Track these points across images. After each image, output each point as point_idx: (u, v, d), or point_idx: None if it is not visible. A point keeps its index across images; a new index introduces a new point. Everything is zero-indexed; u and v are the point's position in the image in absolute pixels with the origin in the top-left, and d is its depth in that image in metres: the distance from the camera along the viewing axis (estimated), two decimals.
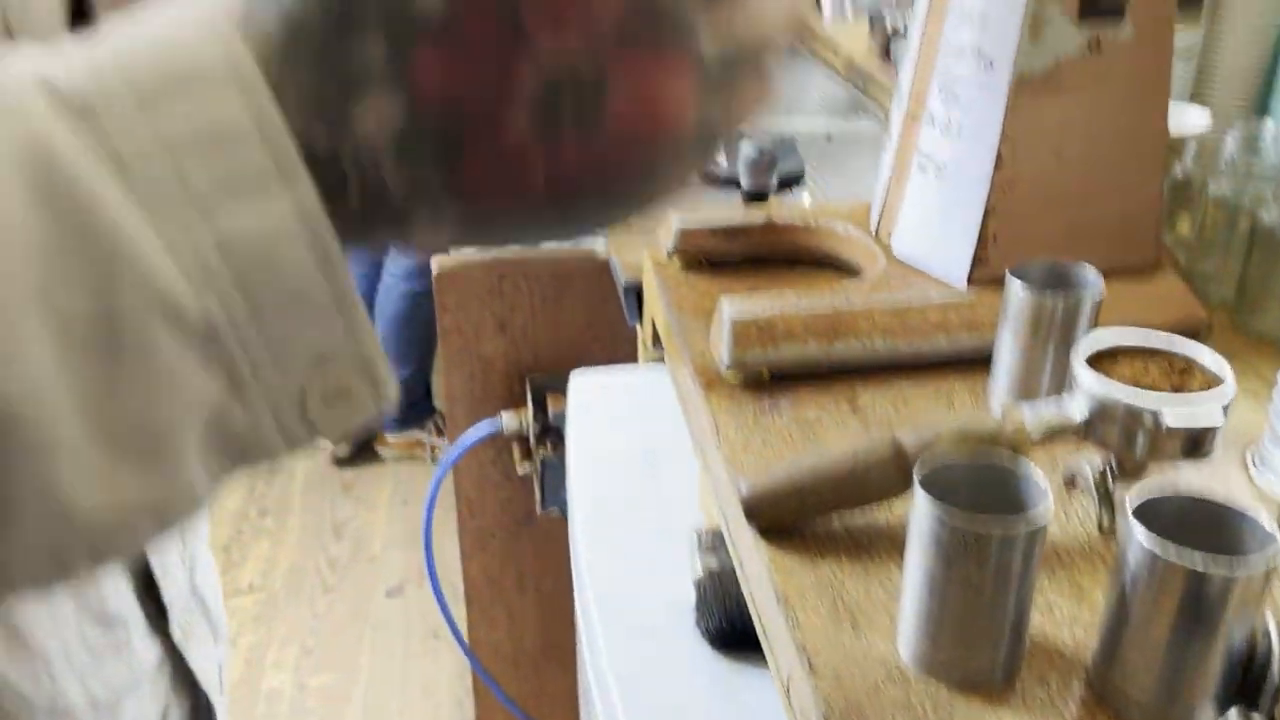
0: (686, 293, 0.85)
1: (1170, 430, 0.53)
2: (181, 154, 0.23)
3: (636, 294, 0.97)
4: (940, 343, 0.73)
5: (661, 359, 0.91)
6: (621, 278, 0.99)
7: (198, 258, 0.23)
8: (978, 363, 0.72)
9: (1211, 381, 0.55)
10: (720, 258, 0.89)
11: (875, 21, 1.45)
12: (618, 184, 0.27)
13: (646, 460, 0.94)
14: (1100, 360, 0.57)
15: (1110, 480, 0.56)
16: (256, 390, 0.25)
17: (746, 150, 1.21)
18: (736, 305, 0.72)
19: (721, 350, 0.72)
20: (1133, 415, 0.54)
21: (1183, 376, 0.56)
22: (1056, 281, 0.65)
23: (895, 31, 1.47)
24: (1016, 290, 0.64)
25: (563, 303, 1.30)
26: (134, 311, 0.23)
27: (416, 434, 2.57)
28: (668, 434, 0.89)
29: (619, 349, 1.25)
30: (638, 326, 1.02)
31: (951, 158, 0.75)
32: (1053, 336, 0.64)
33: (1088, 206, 0.74)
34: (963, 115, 0.73)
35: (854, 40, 1.64)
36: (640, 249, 1.00)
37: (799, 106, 1.48)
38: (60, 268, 0.22)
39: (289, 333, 0.24)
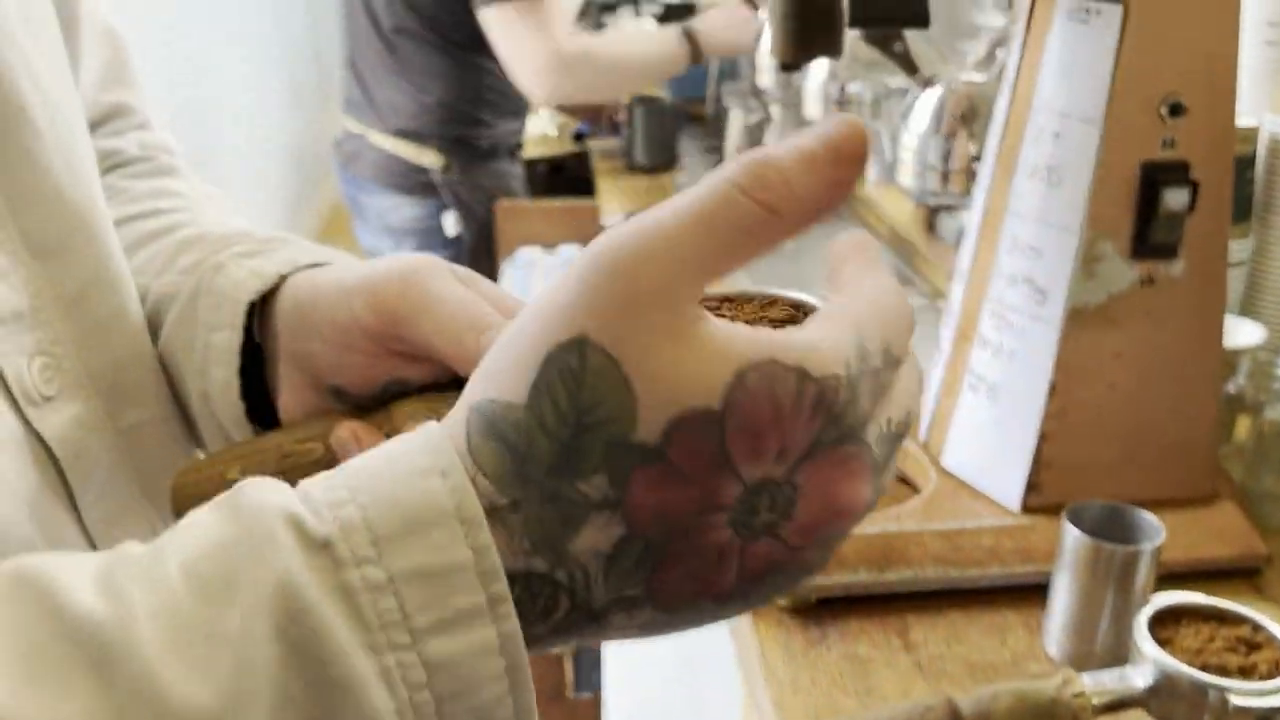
0: None
1: (1238, 709, 0.52)
2: (404, 588, 0.27)
3: None
4: (993, 571, 0.72)
5: None
6: None
7: (406, 684, 0.27)
8: (1031, 591, 0.70)
9: None
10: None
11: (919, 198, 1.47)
12: (799, 572, 0.30)
13: (685, 663, 0.92)
14: (1164, 621, 0.56)
15: None
16: None
17: None
18: None
19: None
20: (1199, 691, 0.52)
21: (1249, 648, 0.55)
22: (1115, 525, 0.64)
23: (940, 208, 1.50)
24: (1073, 535, 0.63)
25: None
26: None
27: None
28: (709, 639, 0.88)
29: None
30: None
31: (1004, 381, 0.75)
32: (1111, 583, 0.63)
33: (1142, 435, 0.74)
34: (1015, 342, 0.74)
35: (898, 208, 1.67)
36: None
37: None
38: (292, 689, 0.26)
39: None
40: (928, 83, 1.10)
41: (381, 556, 0.27)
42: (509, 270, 1.99)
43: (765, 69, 1.79)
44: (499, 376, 0.28)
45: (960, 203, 1.12)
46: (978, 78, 1.08)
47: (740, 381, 0.27)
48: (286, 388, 0.45)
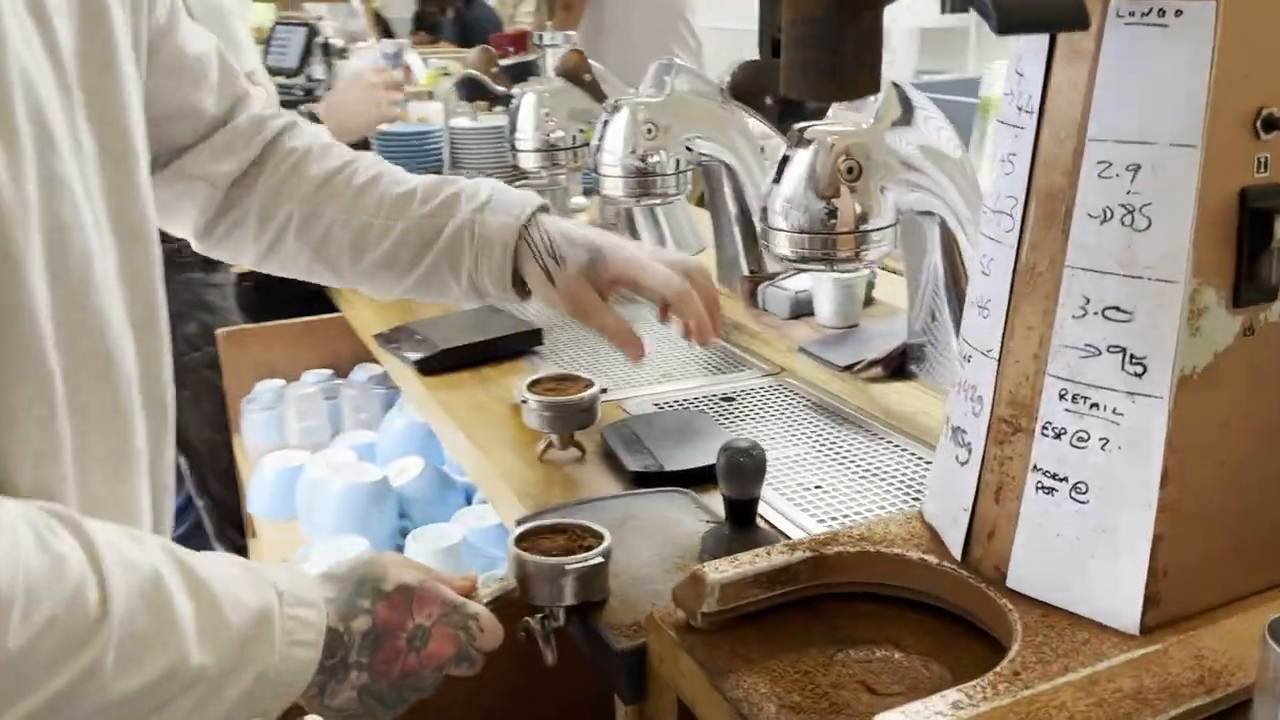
0: (725, 663, 0.64)
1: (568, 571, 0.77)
2: (294, 623, 0.65)
3: (638, 667, 0.74)
4: None
5: None
6: (613, 644, 0.77)
7: (281, 659, 0.64)
8: None
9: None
10: (759, 608, 0.70)
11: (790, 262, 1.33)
12: (420, 683, 0.71)
13: None
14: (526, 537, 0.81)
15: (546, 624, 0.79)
16: None
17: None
18: None
19: None
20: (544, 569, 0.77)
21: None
22: None
23: (763, 279, 1.37)
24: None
25: None
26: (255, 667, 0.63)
27: None
28: None
29: None
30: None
31: (1096, 476, 0.60)
32: None
33: (1253, 518, 0.62)
34: (1106, 427, 0.59)
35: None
36: (631, 607, 0.79)
37: (678, 373, 1.33)
38: (247, 643, 0.63)
39: None
40: (800, 139, 0.96)
41: (294, 607, 0.65)
42: (250, 411, 1.65)
43: (526, 143, 1.61)
44: (332, 568, 0.73)
45: (849, 268, 0.99)
46: (857, 125, 0.96)
47: (423, 582, 0.72)
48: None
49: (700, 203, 1.65)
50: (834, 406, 1.18)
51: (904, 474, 1.01)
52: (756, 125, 1.30)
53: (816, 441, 1.10)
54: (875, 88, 0.52)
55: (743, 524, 0.85)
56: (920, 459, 1.04)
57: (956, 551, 0.68)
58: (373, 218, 0.92)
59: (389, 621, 0.69)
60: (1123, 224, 0.58)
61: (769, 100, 0.93)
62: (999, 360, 0.65)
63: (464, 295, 0.94)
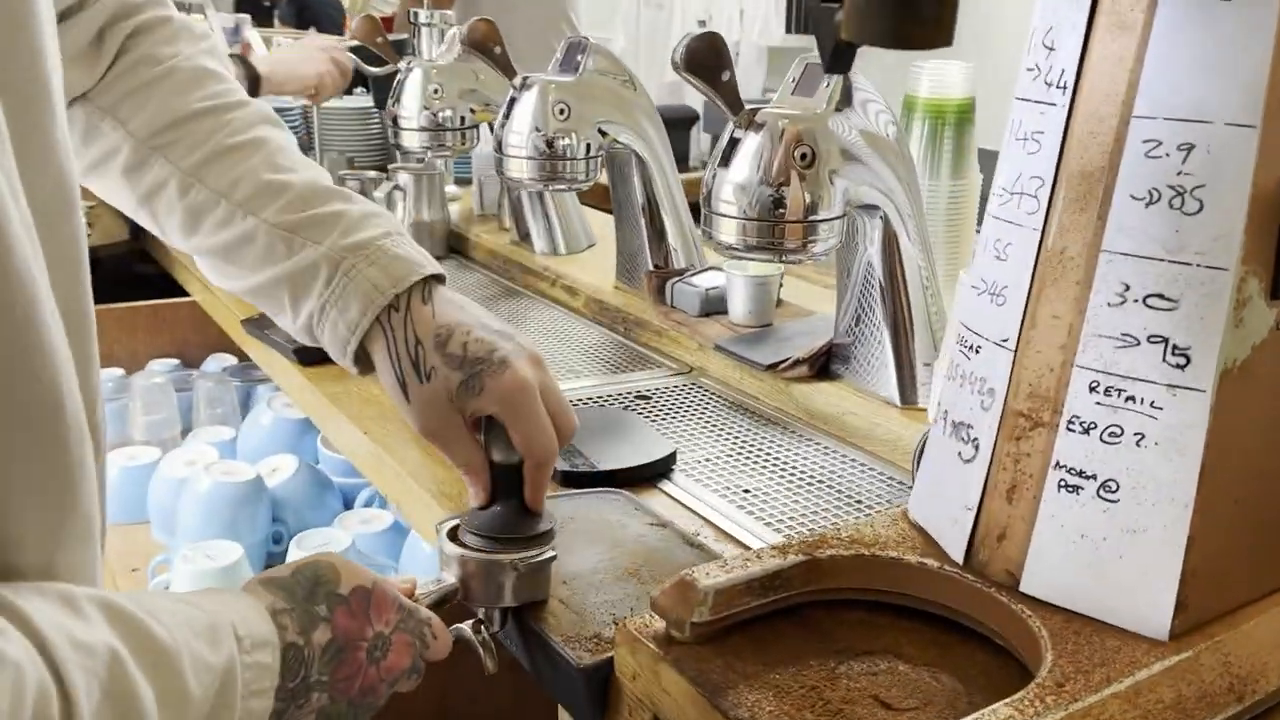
0: (721, 679, 0.58)
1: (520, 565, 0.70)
2: (251, 671, 0.55)
3: (603, 684, 0.67)
4: None
5: None
6: (573, 660, 0.68)
7: (242, 715, 0.55)
8: None
9: None
10: (750, 616, 0.64)
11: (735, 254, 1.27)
12: (376, 699, 0.63)
13: None
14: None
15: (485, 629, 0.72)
16: None
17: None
18: None
19: None
20: (489, 565, 0.71)
21: None
22: None
23: (671, 275, 1.32)
24: None
25: None
26: None
27: None
28: None
29: None
30: None
31: (1127, 475, 0.57)
32: None
33: (1268, 517, 0.60)
34: (1143, 421, 0.56)
35: (597, 278, 1.47)
36: (587, 618, 0.71)
37: (583, 369, 1.26)
38: (213, 707, 0.53)
39: None
40: (750, 122, 0.91)
41: (251, 652, 0.55)
42: None
43: (410, 121, 1.50)
44: (272, 572, 0.63)
45: (795, 259, 0.94)
46: (811, 109, 0.92)
47: (377, 583, 0.64)
48: None
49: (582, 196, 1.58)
50: (753, 406, 1.13)
51: (837, 477, 0.98)
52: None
53: (740, 443, 1.05)
54: (950, 38, 0.47)
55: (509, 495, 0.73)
56: (852, 461, 1.01)
57: (957, 554, 0.64)
58: (220, 196, 0.73)
59: (349, 631, 0.61)
60: (1171, 206, 0.55)
61: (725, 76, 0.87)
62: (1016, 350, 0.61)
63: (296, 332, 0.75)
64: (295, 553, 1.19)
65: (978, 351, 0.64)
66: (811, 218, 0.92)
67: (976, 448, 0.63)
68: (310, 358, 1.18)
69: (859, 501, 0.93)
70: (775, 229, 0.92)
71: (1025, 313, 0.61)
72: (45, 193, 0.51)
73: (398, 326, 0.70)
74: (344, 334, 0.71)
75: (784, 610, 0.65)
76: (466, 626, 0.72)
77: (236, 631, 0.55)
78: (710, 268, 1.34)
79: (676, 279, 1.31)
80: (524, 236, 1.64)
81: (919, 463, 0.79)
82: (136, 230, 1.94)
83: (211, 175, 0.73)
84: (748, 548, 0.84)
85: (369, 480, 1.05)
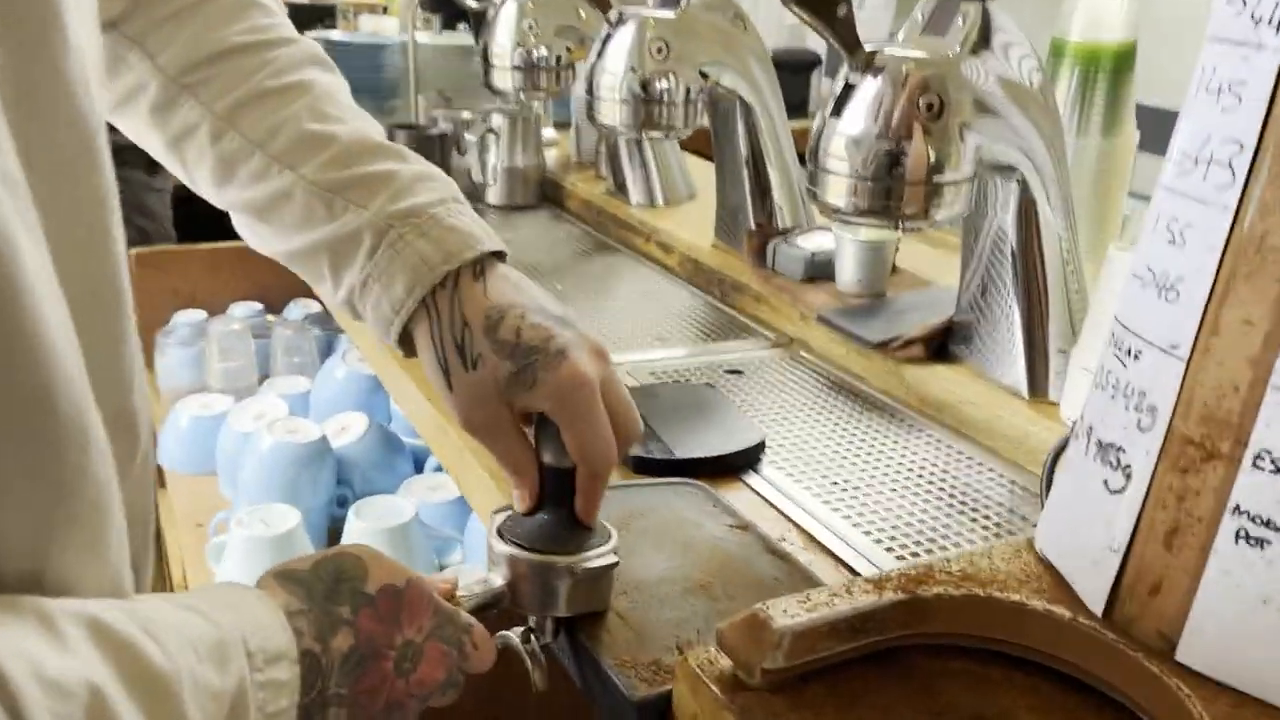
0: None
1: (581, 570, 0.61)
2: (267, 690, 0.48)
3: None
4: None
5: None
6: (626, 689, 0.59)
7: None
8: None
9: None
10: (830, 663, 0.53)
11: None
12: (404, 714, 0.54)
13: None
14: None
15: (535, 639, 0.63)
16: None
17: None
18: None
19: None
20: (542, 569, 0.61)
21: None
22: None
23: (774, 235, 1.20)
24: None
25: None
26: None
27: None
28: None
29: None
30: None
31: None
32: None
33: None
34: None
35: (697, 235, 1.36)
36: (647, 639, 0.62)
37: (673, 336, 1.15)
38: None
39: None
40: (869, 64, 0.79)
41: (265, 669, 0.48)
42: (167, 346, 1.43)
43: (503, 59, 1.40)
44: (291, 564, 0.54)
45: (914, 225, 0.82)
46: (941, 51, 0.78)
47: (410, 582, 0.55)
48: None
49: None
50: (858, 388, 1.02)
51: (950, 476, 0.86)
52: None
53: (840, 430, 0.93)
54: None
55: (558, 503, 0.63)
56: (968, 459, 0.88)
57: (1095, 604, 0.52)
58: (254, 146, 0.64)
59: (374, 636, 0.53)
60: None
61: (841, 10, 0.75)
62: (1189, 360, 0.48)
63: (336, 306, 0.67)
64: (353, 523, 1.12)
65: (1137, 358, 0.51)
66: (936, 179, 0.79)
67: (1128, 477, 0.51)
68: None
69: (974, 509, 0.81)
70: (892, 191, 0.80)
71: (1205, 314, 0.48)
72: (55, 143, 0.43)
73: (444, 306, 0.60)
74: (387, 313, 0.62)
75: (876, 655, 0.54)
76: (515, 635, 0.64)
77: (248, 646, 0.47)
78: (818, 228, 1.22)
79: (780, 240, 1.19)
80: (620, 186, 1.54)
81: (1049, 481, 0.67)
82: None
83: (247, 121, 0.65)
84: (839, 560, 0.73)
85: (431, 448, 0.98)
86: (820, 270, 1.16)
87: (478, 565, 1.20)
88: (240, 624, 0.48)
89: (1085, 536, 0.54)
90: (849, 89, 0.80)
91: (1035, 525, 0.76)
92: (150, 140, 0.69)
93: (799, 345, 1.11)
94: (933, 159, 0.79)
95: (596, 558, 0.62)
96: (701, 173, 1.60)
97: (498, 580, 0.63)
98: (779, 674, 0.51)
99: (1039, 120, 0.83)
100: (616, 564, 0.63)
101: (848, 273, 1.12)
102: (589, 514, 0.62)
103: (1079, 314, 0.90)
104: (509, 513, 0.65)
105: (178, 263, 1.46)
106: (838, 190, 0.82)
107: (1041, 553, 0.58)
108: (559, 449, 0.60)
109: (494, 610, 0.63)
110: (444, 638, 0.56)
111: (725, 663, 0.53)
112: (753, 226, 1.24)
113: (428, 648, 0.55)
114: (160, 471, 1.44)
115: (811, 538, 0.76)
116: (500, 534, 0.63)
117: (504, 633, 0.63)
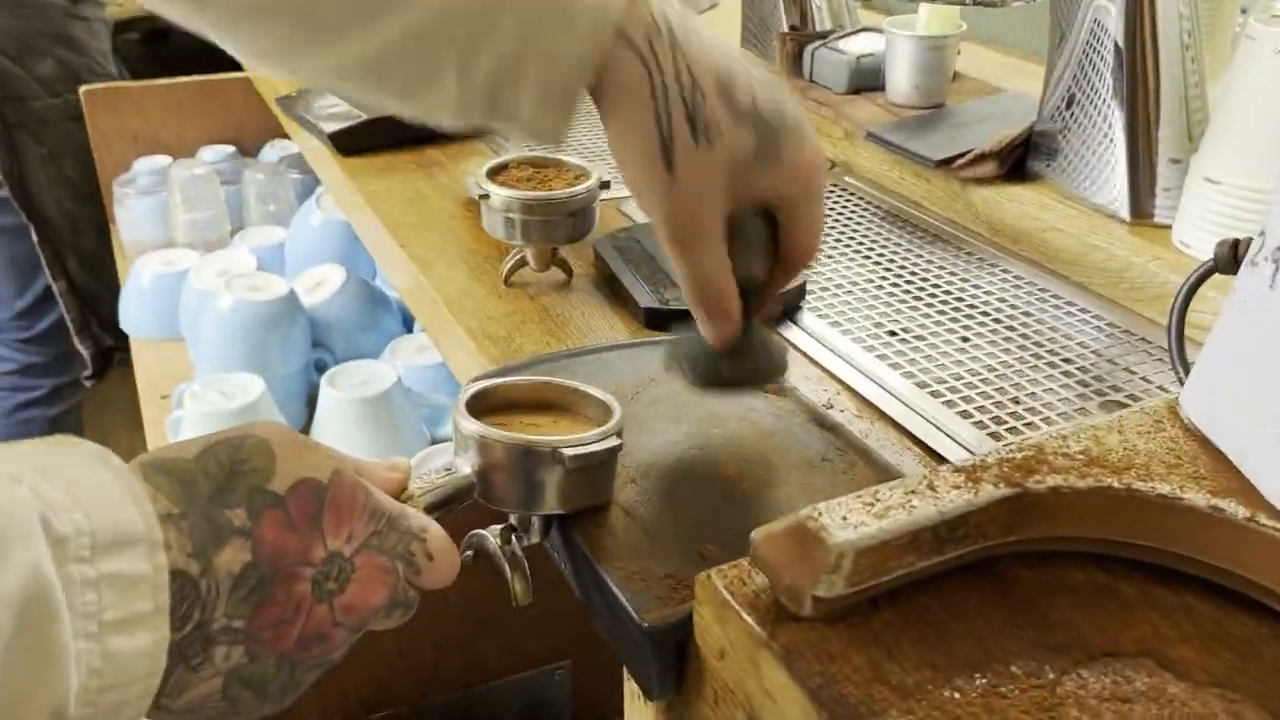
0: (860, 694, 0.34)
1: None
2: (105, 589, 0.34)
3: (675, 652, 0.44)
4: None
5: None
6: (634, 612, 0.45)
7: (87, 669, 0.33)
8: None
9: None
10: (903, 583, 0.39)
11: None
12: (329, 650, 0.41)
13: None
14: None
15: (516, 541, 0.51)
16: None
17: None
18: None
19: None
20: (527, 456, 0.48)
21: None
22: None
23: (811, 38, 1.00)
24: None
25: None
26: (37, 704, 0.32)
27: None
28: None
29: None
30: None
31: None
32: None
33: None
34: None
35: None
36: (660, 544, 0.48)
37: None
38: (15, 649, 0.31)
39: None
40: None
41: (94, 559, 0.34)
42: (127, 195, 1.27)
43: None
44: (170, 449, 0.40)
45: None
46: None
47: (339, 475, 0.41)
48: None
49: None
50: (915, 217, 0.85)
51: (1035, 322, 0.70)
52: None
53: (897, 268, 0.78)
54: None
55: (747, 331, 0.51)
56: (1056, 299, 0.72)
57: (1276, 496, 0.37)
58: None
59: (281, 550, 0.39)
60: None
61: None
62: None
63: (451, 110, 0.48)
64: (326, 392, 0.98)
65: None
66: None
67: None
68: (348, 145, 0.94)
69: (1066, 361, 0.65)
70: None
71: None
72: None
73: (664, 57, 0.45)
74: (565, 76, 0.45)
75: (968, 567, 0.40)
76: (490, 535, 0.50)
77: (53, 525, 0.33)
78: (863, 29, 1.03)
79: (818, 44, 1.00)
80: None
81: (1180, 325, 0.51)
82: None
83: None
84: (902, 429, 0.59)
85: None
86: (866, 79, 0.97)
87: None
88: (49, 494, 0.34)
89: (1261, 401, 0.38)
90: None
91: (1151, 383, 0.60)
92: None
93: (843, 169, 0.94)
94: None
95: (594, 441, 0.48)
96: None
97: (465, 468, 0.49)
98: (836, 602, 0.37)
99: None
100: (619, 447, 0.49)
101: (901, 79, 0.94)
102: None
103: (1197, 114, 0.72)
104: (490, 381, 0.51)
105: (135, 102, 1.29)
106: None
107: (1193, 423, 0.42)
108: (760, 255, 0.50)
109: (459, 506, 0.49)
110: (385, 548, 0.43)
111: (763, 581, 0.39)
112: (785, 29, 1.05)
113: (361, 562, 0.42)
114: (125, 337, 1.31)
115: (866, 402, 0.61)
116: (469, 408, 0.49)
117: (477, 532, 0.50)
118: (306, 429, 1.04)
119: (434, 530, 0.45)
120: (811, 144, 0.49)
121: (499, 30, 0.45)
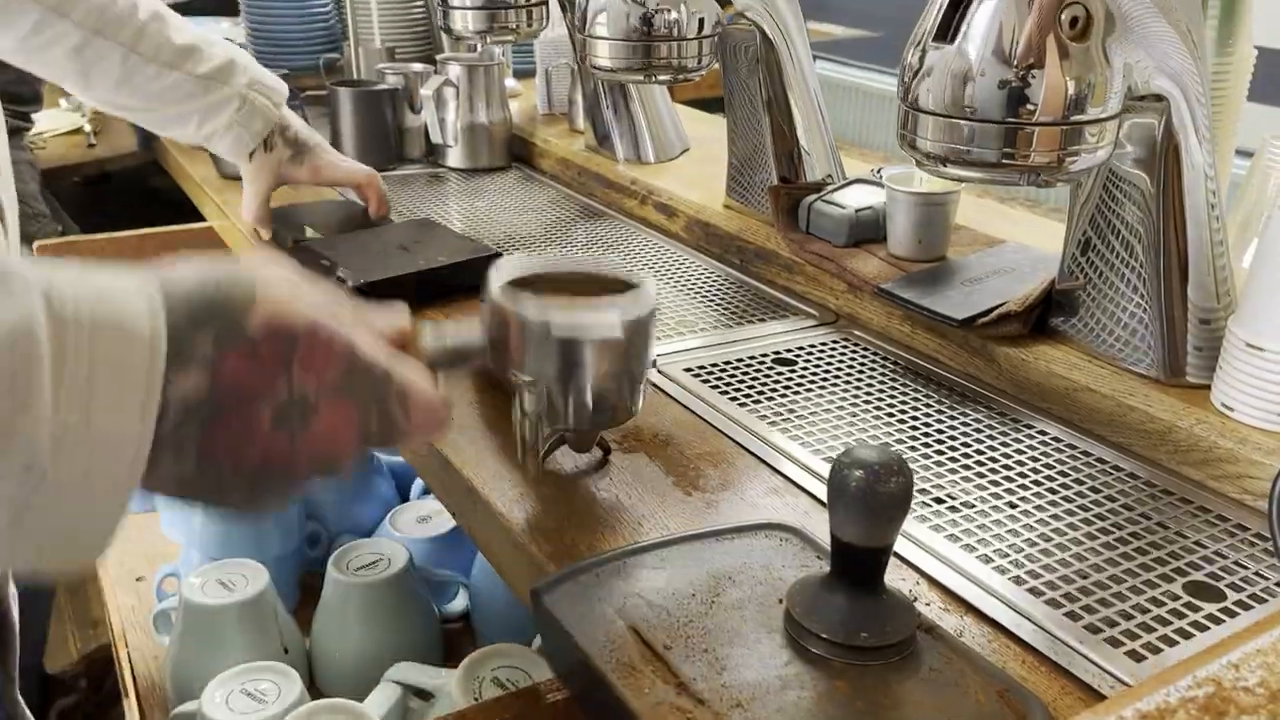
0: None
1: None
2: (98, 369, 0.37)
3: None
4: None
5: None
6: None
7: (68, 443, 0.37)
8: None
9: None
10: None
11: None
12: (290, 479, 0.44)
13: None
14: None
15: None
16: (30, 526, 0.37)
17: None
18: None
19: None
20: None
21: None
22: None
23: (806, 192, 1.01)
24: None
25: None
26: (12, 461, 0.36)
27: None
28: None
29: None
30: None
31: None
32: None
33: None
34: None
35: (704, 195, 1.17)
36: None
37: (699, 321, 0.97)
38: None
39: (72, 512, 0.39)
40: None
41: (90, 346, 0.37)
42: None
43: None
44: (175, 277, 0.42)
45: (1043, 179, 0.64)
46: None
47: (316, 327, 0.44)
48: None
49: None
50: (938, 375, 0.84)
51: (1089, 490, 0.69)
52: None
53: (926, 427, 0.76)
54: None
55: (861, 582, 0.51)
56: (1100, 462, 0.71)
57: None
58: (151, 61, 0.97)
59: (240, 383, 0.42)
60: None
61: None
62: None
63: (191, 139, 1.04)
64: (333, 575, 0.91)
65: None
66: (1076, 117, 0.61)
67: None
68: None
69: (1120, 528, 0.64)
70: (1018, 135, 0.62)
71: None
72: None
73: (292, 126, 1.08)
74: (246, 142, 1.05)
75: None
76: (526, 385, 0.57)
77: (51, 291, 0.38)
78: (856, 180, 1.03)
79: (814, 197, 1.01)
80: (601, 140, 1.34)
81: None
82: (147, 139, 1.66)
83: (144, 46, 0.98)
84: (985, 617, 0.56)
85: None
86: (866, 231, 0.98)
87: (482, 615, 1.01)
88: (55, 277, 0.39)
89: None
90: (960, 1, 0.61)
91: (1226, 559, 0.59)
92: (60, 69, 0.95)
93: (847, 322, 0.94)
94: (1073, 90, 0.61)
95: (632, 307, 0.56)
96: (689, 122, 1.40)
97: (476, 332, 0.55)
98: None
99: (1190, 32, 0.65)
100: (654, 315, 0.58)
101: (902, 233, 0.94)
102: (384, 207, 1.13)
103: (1222, 273, 0.73)
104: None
105: (90, 255, 1.24)
106: (938, 134, 0.64)
107: None
108: None
109: (467, 365, 0.55)
110: (359, 393, 0.45)
111: None
112: (776, 180, 1.05)
113: (325, 404, 0.44)
114: None
115: (940, 585, 0.58)
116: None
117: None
118: (299, 609, 0.98)
119: (417, 386, 0.48)
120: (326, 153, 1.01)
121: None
